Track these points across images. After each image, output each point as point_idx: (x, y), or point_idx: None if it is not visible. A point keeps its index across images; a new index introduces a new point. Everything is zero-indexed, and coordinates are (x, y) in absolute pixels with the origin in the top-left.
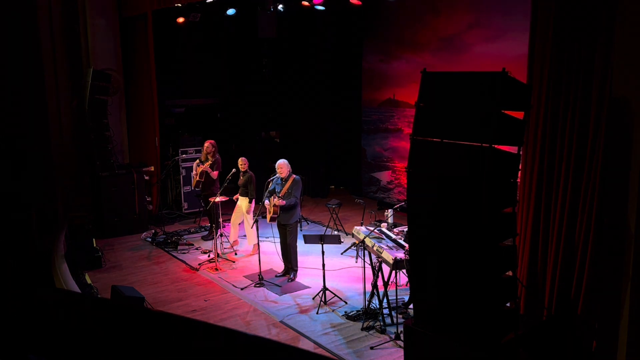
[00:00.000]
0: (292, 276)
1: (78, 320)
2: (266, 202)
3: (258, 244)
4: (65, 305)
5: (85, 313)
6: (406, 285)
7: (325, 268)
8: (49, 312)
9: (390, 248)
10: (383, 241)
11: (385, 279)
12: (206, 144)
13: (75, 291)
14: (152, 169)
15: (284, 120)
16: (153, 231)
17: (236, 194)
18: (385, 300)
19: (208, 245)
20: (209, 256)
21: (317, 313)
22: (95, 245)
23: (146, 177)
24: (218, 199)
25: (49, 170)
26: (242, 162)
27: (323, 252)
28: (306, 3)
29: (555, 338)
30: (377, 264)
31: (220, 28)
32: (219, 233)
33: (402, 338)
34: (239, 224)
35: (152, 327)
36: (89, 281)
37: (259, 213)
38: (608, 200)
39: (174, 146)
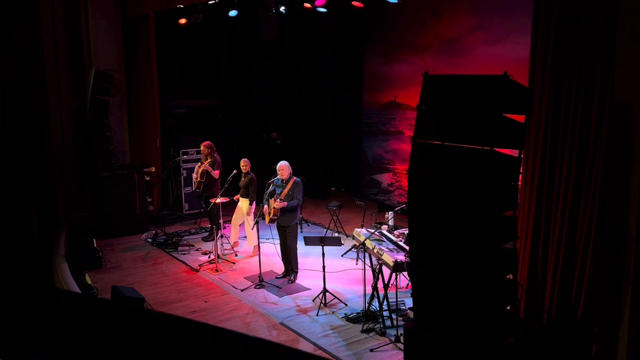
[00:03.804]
0: (292, 278)
1: (79, 320)
2: (266, 204)
3: (258, 245)
4: (66, 306)
5: (86, 313)
6: (406, 287)
7: (326, 270)
8: (50, 312)
9: (391, 250)
10: (383, 243)
11: (386, 281)
12: (201, 148)
13: (75, 291)
14: (153, 169)
15: (285, 121)
16: (153, 232)
17: (237, 194)
18: (385, 302)
19: (208, 246)
20: (209, 257)
21: (317, 315)
22: (95, 246)
23: (147, 178)
24: (219, 200)
25: (50, 170)
26: (244, 164)
27: (323, 254)
28: (308, 5)
29: (555, 342)
30: (378, 266)
31: (222, 29)
32: (219, 234)
33: (402, 340)
34: (240, 225)
35: (152, 327)
36: (89, 281)
37: (260, 214)
38: (609, 204)
39: (175, 147)
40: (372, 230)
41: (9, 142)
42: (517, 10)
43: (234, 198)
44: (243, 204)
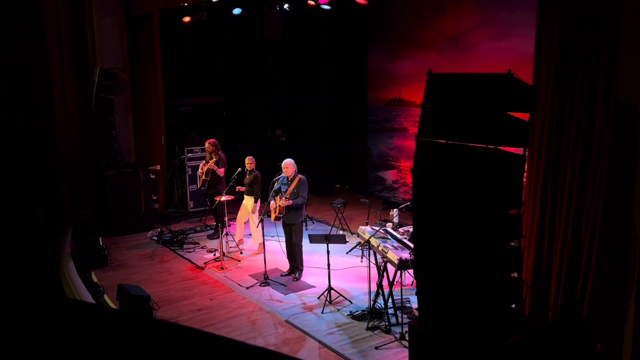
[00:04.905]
0: (297, 275)
1: (82, 327)
2: (272, 201)
3: (263, 243)
4: (69, 312)
5: (89, 320)
6: (411, 285)
7: (331, 267)
8: (53, 317)
9: (396, 248)
10: (388, 241)
11: (391, 279)
12: (206, 145)
13: (79, 296)
14: (158, 167)
15: (290, 119)
16: (159, 230)
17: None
18: (390, 300)
19: (214, 244)
20: (214, 255)
21: (322, 312)
22: (101, 244)
23: (152, 176)
24: (224, 198)
25: (55, 169)
26: (249, 161)
27: (328, 252)
28: (312, 2)
29: (560, 340)
30: (382, 264)
31: (226, 27)
32: (224, 232)
33: (407, 338)
34: (245, 223)
35: (155, 336)
36: (95, 280)
37: (265, 212)
38: (613, 201)
39: (180, 145)
40: (377, 228)
41: (14, 140)
42: (521, 6)
43: (237, 188)
44: (248, 201)
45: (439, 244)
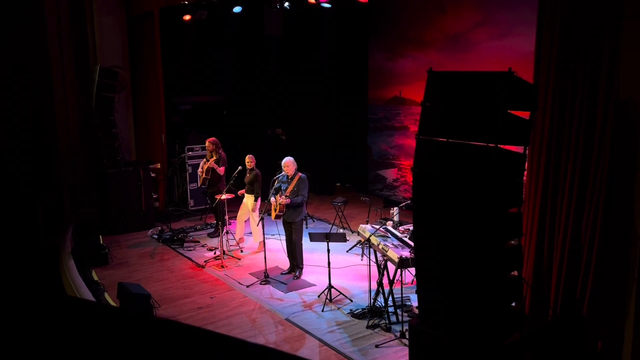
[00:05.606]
0: (297, 274)
1: (82, 325)
2: (272, 199)
3: (264, 241)
4: (69, 310)
5: (89, 318)
6: (412, 283)
7: (331, 266)
8: (54, 317)
9: (396, 246)
10: (388, 239)
11: (391, 277)
12: (207, 144)
13: (80, 294)
14: (159, 166)
15: (290, 117)
16: (159, 228)
17: (242, 188)
18: (390, 298)
19: (214, 242)
20: (215, 253)
21: (322, 311)
22: (101, 242)
23: (152, 175)
24: (224, 196)
25: (55, 168)
26: (249, 160)
27: (328, 250)
28: (312, 1)
29: (561, 338)
30: (383, 262)
31: (226, 26)
32: (224, 230)
33: (407, 336)
34: (245, 221)
35: (155, 334)
36: (95, 278)
37: (265, 211)
38: (614, 200)
39: (180, 143)
40: (377, 226)
41: (14, 139)
42: (522, 5)
43: (239, 193)
44: (248, 200)
45: (439, 242)
